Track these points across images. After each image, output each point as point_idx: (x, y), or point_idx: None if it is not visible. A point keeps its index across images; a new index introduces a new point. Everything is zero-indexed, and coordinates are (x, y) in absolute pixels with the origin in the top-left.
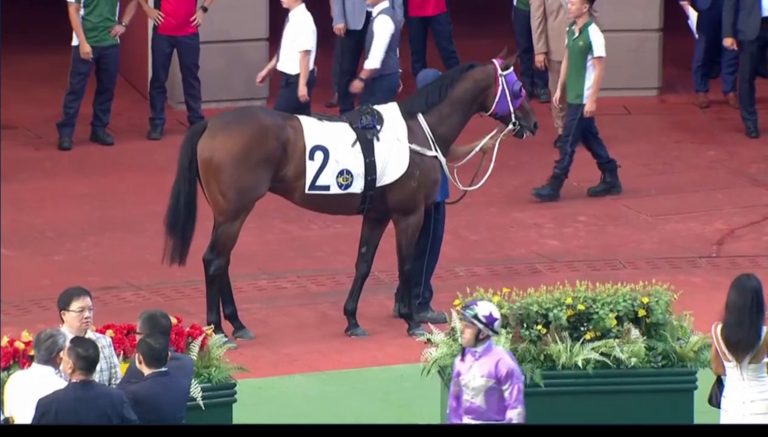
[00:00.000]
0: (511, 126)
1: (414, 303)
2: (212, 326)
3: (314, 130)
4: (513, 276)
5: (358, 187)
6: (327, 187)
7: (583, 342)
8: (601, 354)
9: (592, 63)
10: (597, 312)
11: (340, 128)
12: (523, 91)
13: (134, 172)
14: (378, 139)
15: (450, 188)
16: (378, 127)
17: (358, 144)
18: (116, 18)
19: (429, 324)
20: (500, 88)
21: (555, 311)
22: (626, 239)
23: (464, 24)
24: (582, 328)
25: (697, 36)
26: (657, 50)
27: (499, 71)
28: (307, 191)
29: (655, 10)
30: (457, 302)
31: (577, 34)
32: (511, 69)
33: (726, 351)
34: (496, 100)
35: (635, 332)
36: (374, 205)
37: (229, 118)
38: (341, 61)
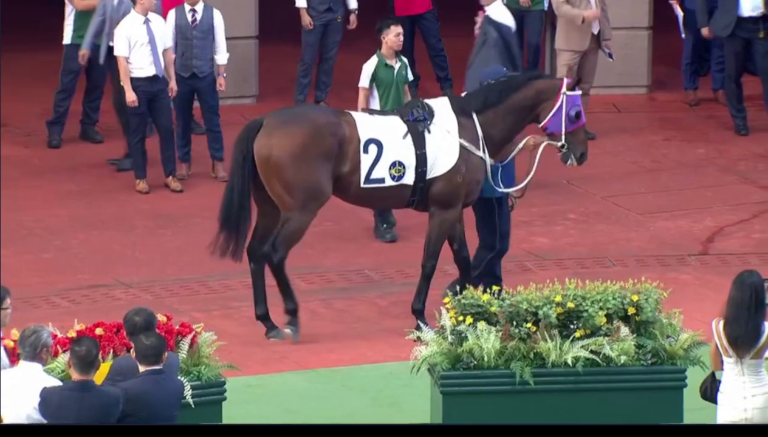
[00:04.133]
0: (558, 144)
1: (422, 300)
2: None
3: (367, 123)
4: (503, 273)
5: (409, 178)
6: (382, 180)
7: (572, 340)
8: (591, 352)
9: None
10: (586, 310)
11: (392, 121)
12: (582, 117)
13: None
14: (429, 132)
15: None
16: (429, 120)
17: (409, 136)
18: None
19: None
20: (558, 104)
21: (545, 309)
22: (616, 237)
23: (452, 22)
24: (572, 326)
25: (684, 34)
26: (646, 48)
27: (564, 88)
28: (362, 185)
29: (644, 8)
30: (446, 300)
31: (398, 65)
32: (578, 92)
33: (727, 347)
34: (551, 115)
35: (625, 330)
36: (423, 197)
37: (284, 116)
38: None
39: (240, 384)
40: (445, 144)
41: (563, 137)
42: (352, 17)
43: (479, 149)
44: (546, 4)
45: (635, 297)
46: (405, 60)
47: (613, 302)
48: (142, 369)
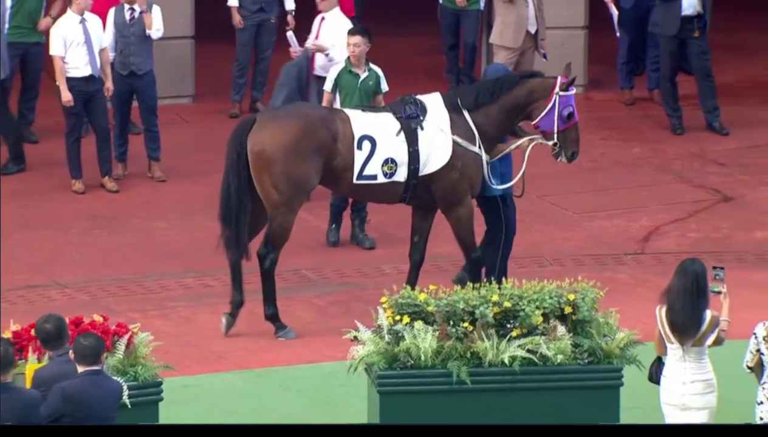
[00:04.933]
0: (550, 143)
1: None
2: (273, 322)
3: (361, 120)
4: (440, 273)
5: (401, 175)
6: (374, 176)
7: (509, 340)
8: (528, 351)
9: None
10: (523, 310)
11: (385, 118)
12: (575, 117)
13: (60, 169)
14: (422, 129)
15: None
16: (421, 117)
17: (402, 133)
18: (42, 15)
19: None
20: (551, 104)
21: (481, 308)
22: (552, 236)
23: (391, 22)
24: (508, 325)
25: (619, 34)
26: (582, 47)
27: (557, 88)
28: (355, 181)
29: (580, 8)
30: (383, 300)
31: (366, 74)
32: (572, 92)
33: (669, 334)
34: (543, 114)
35: (561, 329)
36: (416, 194)
37: (277, 111)
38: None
39: (177, 385)
40: (438, 140)
41: (555, 136)
42: (290, 18)
43: (474, 145)
44: (482, 4)
45: (572, 297)
46: (378, 71)
47: (549, 301)
48: (80, 369)
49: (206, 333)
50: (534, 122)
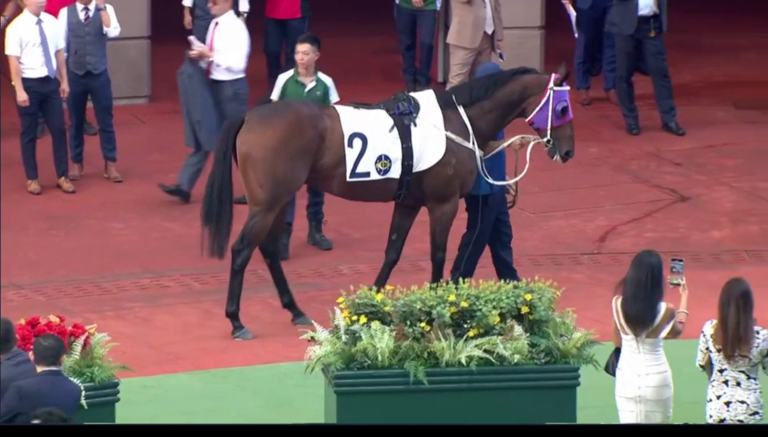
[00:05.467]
0: (543, 140)
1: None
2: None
3: (351, 117)
4: (396, 273)
5: (396, 172)
6: (367, 174)
7: (466, 340)
8: (485, 351)
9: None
10: (480, 310)
11: (377, 115)
12: (569, 113)
13: (15, 170)
14: (415, 125)
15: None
16: (414, 114)
17: (395, 129)
18: None
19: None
20: (545, 100)
21: (438, 308)
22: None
23: (345, 22)
24: (465, 325)
25: (576, 34)
26: (539, 47)
27: (551, 84)
28: (348, 179)
29: (536, 8)
30: (340, 300)
31: (313, 84)
32: (566, 88)
33: (624, 325)
34: (537, 110)
35: (518, 329)
36: (410, 191)
37: (265, 110)
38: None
39: (134, 385)
40: (432, 137)
41: (549, 133)
42: (241, 19)
43: (468, 141)
44: (438, 4)
45: (528, 297)
46: (327, 82)
47: (506, 301)
48: (39, 369)
49: (163, 333)
50: (528, 118)
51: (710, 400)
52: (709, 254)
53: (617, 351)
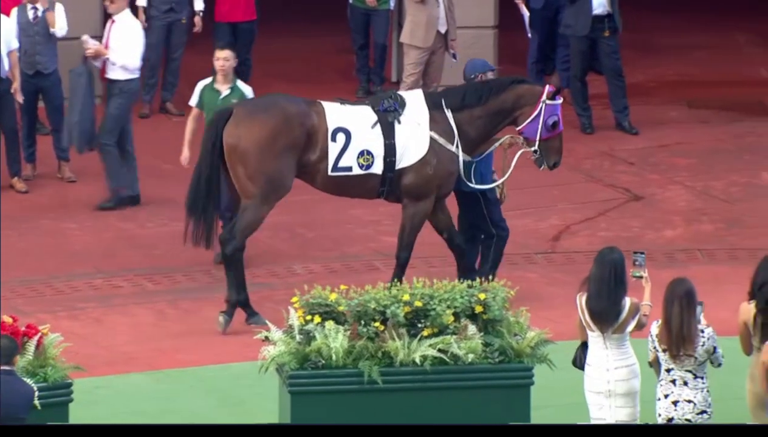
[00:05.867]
0: (531, 150)
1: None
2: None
3: (336, 113)
4: (350, 273)
5: (378, 167)
6: (349, 168)
7: (420, 339)
8: (439, 350)
9: None
10: (434, 309)
11: (362, 111)
12: (560, 127)
13: None
14: (399, 122)
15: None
16: (399, 111)
17: (378, 126)
18: None
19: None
20: (536, 112)
21: (392, 308)
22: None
23: (298, 22)
24: (419, 325)
25: (530, 34)
26: (492, 47)
27: (544, 97)
28: (330, 173)
29: (490, 8)
30: (294, 299)
31: (228, 91)
32: (559, 101)
33: (590, 322)
34: (528, 121)
35: (472, 328)
36: (392, 188)
37: (253, 105)
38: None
39: (87, 386)
40: (415, 135)
41: (537, 144)
42: (197, 19)
43: (452, 144)
44: (392, 4)
45: (482, 296)
46: (245, 91)
47: (460, 300)
48: None
49: (116, 334)
50: (519, 128)
51: (659, 399)
52: (663, 253)
53: (584, 345)
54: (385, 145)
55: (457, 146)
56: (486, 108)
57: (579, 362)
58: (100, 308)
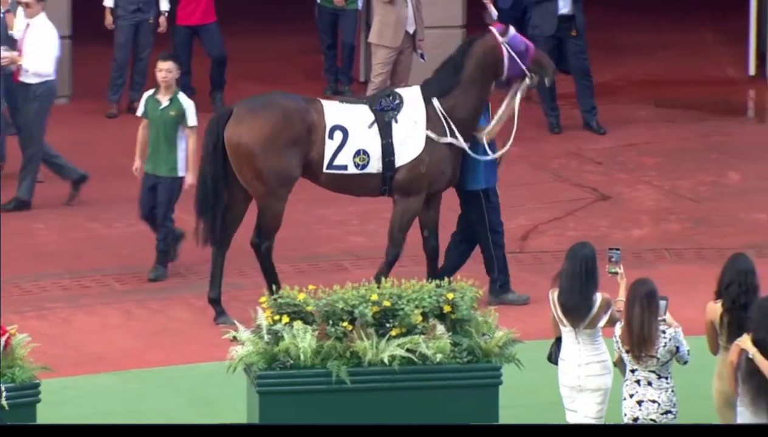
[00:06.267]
0: (528, 81)
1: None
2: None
3: (334, 110)
4: (318, 273)
5: (374, 167)
6: (345, 167)
7: (388, 339)
8: (407, 350)
9: (185, 133)
10: (402, 309)
11: (360, 109)
12: (530, 44)
13: None
14: (396, 121)
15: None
16: (397, 110)
17: (375, 125)
18: None
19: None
20: (506, 54)
21: (360, 308)
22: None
23: (269, 22)
24: (388, 325)
25: None
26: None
27: (500, 39)
28: (324, 170)
29: (457, 8)
30: (262, 299)
31: (167, 103)
32: (511, 31)
33: (562, 317)
34: (506, 66)
35: (441, 328)
36: (393, 186)
37: (254, 103)
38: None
39: (55, 386)
40: (411, 133)
41: (528, 73)
42: (162, 19)
43: (446, 135)
44: (360, 4)
45: (451, 296)
46: (185, 102)
47: (428, 300)
48: None
49: (84, 334)
50: (504, 77)
51: (624, 399)
52: (631, 253)
53: (558, 340)
54: (383, 145)
55: (452, 135)
56: (463, 85)
57: (554, 357)
58: (68, 308)
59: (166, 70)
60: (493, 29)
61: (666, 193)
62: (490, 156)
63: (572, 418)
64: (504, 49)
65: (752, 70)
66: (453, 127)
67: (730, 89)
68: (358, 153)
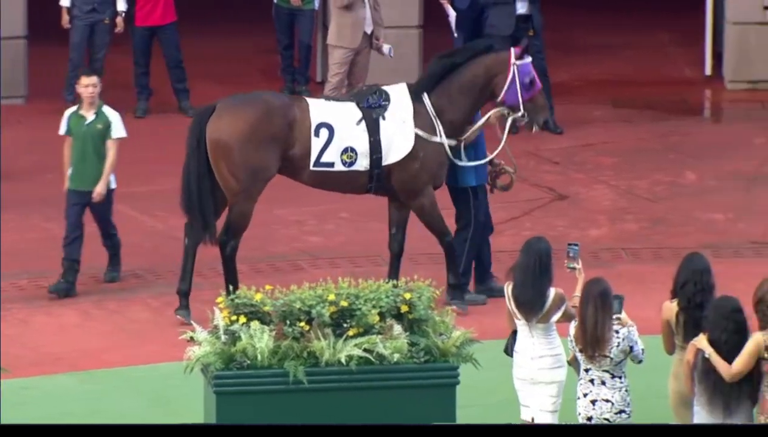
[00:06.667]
0: (519, 114)
1: (457, 275)
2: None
3: (320, 108)
4: (276, 273)
5: (362, 164)
6: (331, 164)
7: (346, 339)
8: (364, 350)
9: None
10: (360, 309)
11: (346, 107)
12: (537, 83)
13: None
14: (384, 118)
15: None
16: (384, 107)
17: (363, 122)
18: None
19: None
20: (511, 76)
21: (318, 308)
22: (387, 235)
23: (224, 23)
24: (345, 324)
25: (456, 35)
26: (417, 47)
27: (513, 59)
28: (312, 168)
29: (414, 8)
30: (219, 299)
31: (93, 118)
32: (528, 59)
33: (515, 310)
34: (505, 88)
35: (398, 328)
36: (381, 184)
37: (236, 100)
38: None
39: (13, 387)
40: (400, 131)
41: (521, 107)
42: (119, 19)
43: (436, 135)
44: (317, 4)
45: (408, 296)
46: (111, 116)
47: (386, 300)
48: None
49: (42, 334)
50: (499, 98)
51: (579, 397)
52: (588, 252)
53: (514, 333)
54: (371, 142)
55: (440, 135)
56: (459, 86)
57: (509, 350)
58: (26, 309)
59: (92, 85)
60: (513, 49)
61: (623, 193)
62: (467, 163)
63: (526, 414)
64: (511, 71)
65: (708, 70)
66: (440, 126)
67: (687, 89)
68: (345, 150)
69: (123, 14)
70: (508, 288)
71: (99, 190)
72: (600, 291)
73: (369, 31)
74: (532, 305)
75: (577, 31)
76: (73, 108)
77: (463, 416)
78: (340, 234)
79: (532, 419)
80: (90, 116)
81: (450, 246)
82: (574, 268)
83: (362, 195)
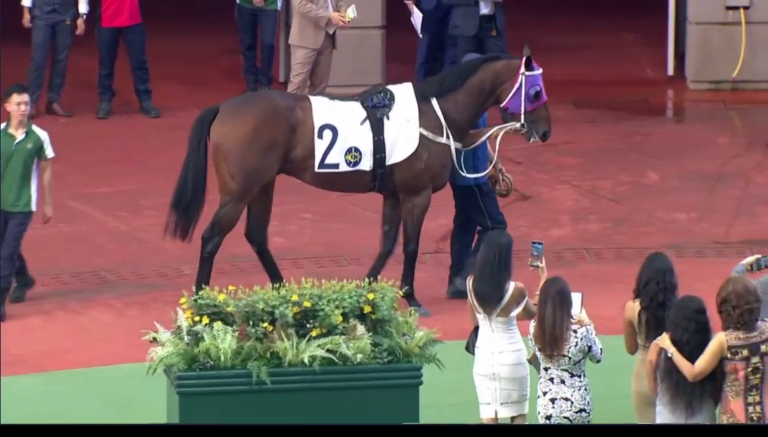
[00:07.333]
0: (517, 125)
1: (410, 283)
2: None
3: (323, 109)
4: (239, 273)
5: (366, 164)
6: (336, 165)
7: (309, 339)
8: (328, 350)
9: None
10: (323, 309)
11: (350, 107)
12: (543, 96)
13: None
14: (388, 118)
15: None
16: (388, 106)
17: (367, 122)
18: None
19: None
20: (517, 85)
21: (281, 308)
22: (351, 235)
23: (186, 23)
24: (308, 325)
25: (421, 35)
26: (379, 47)
27: (522, 69)
28: (316, 170)
29: (377, 9)
30: (183, 300)
31: (23, 136)
32: (539, 71)
33: (475, 303)
34: (510, 96)
35: (361, 328)
36: (384, 183)
37: (239, 102)
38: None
39: None
40: (404, 131)
41: (523, 117)
42: (80, 21)
43: (442, 135)
44: (279, 4)
45: (371, 296)
46: (41, 136)
47: (349, 301)
48: None
49: (4, 336)
50: (502, 105)
51: (539, 396)
52: (551, 252)
53: (476, 329)
54: (374, 142)
55: (447, 136)
56: (466, 89)
57: (471, 347)
58: None
59: (24, 103)
60: (524, 59)
61: (585, 193)
62: (473, 175)
63: (486, 412)
64: (519, 79)
65: (671, 71)
66: (446, 128)
67: (651, 89)
68: (350, 150)
69: (84, 16)
70: (469, 281)
71: (49, 213)
72: (558, 291)
73: (331, 32)
74: (489, 298)
75: (540, 31)
76: (2, 125)
77: (426, 416)
78: (303, 235)
79: (496, 414)
80: (20, 135)
81: (412, 255)
82: (537, 267)
83: (325, 196)
